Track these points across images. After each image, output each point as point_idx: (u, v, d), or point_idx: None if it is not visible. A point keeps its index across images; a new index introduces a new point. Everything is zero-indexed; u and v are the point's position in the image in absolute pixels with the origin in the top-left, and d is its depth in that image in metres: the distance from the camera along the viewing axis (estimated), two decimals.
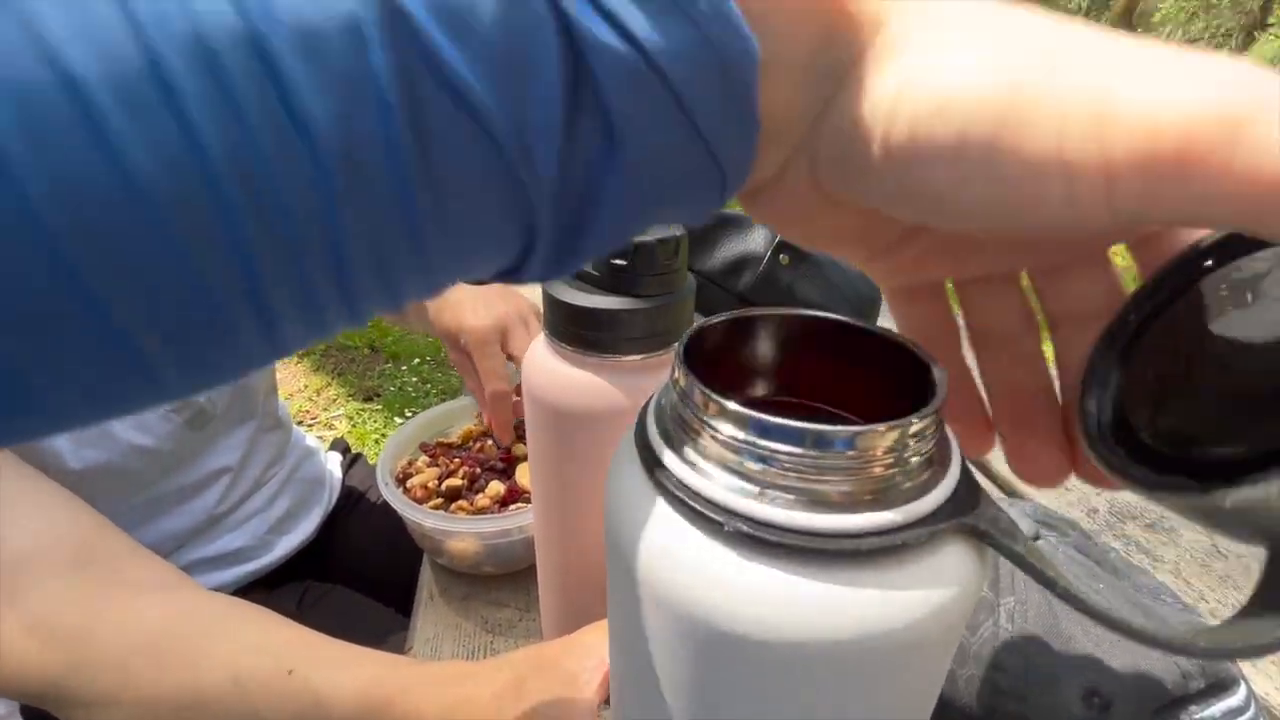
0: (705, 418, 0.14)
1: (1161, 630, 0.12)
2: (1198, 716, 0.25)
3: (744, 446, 0.13)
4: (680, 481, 0.14)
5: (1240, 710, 0.25)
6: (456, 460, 0.49)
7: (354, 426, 1.64)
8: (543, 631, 0.41)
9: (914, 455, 0.14)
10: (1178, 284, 0.13)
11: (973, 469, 0.15)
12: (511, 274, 0.14)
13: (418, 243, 0.12)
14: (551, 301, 0.27)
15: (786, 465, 0.13)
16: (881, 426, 0.13)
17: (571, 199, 0.12)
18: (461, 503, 0.45)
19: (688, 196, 0.13)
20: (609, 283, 0.26)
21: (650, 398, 0.17)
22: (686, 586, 0.14)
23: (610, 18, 0.11)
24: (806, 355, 0.18)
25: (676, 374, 0.15)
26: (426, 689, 0.30)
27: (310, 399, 1.75)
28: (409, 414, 1.63)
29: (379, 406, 1.71)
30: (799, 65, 0.13)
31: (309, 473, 0.64)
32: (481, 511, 0.44)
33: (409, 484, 0.46)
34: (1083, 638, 0.26)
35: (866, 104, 0.12)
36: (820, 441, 0.13)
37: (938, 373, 0.15)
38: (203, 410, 0.51)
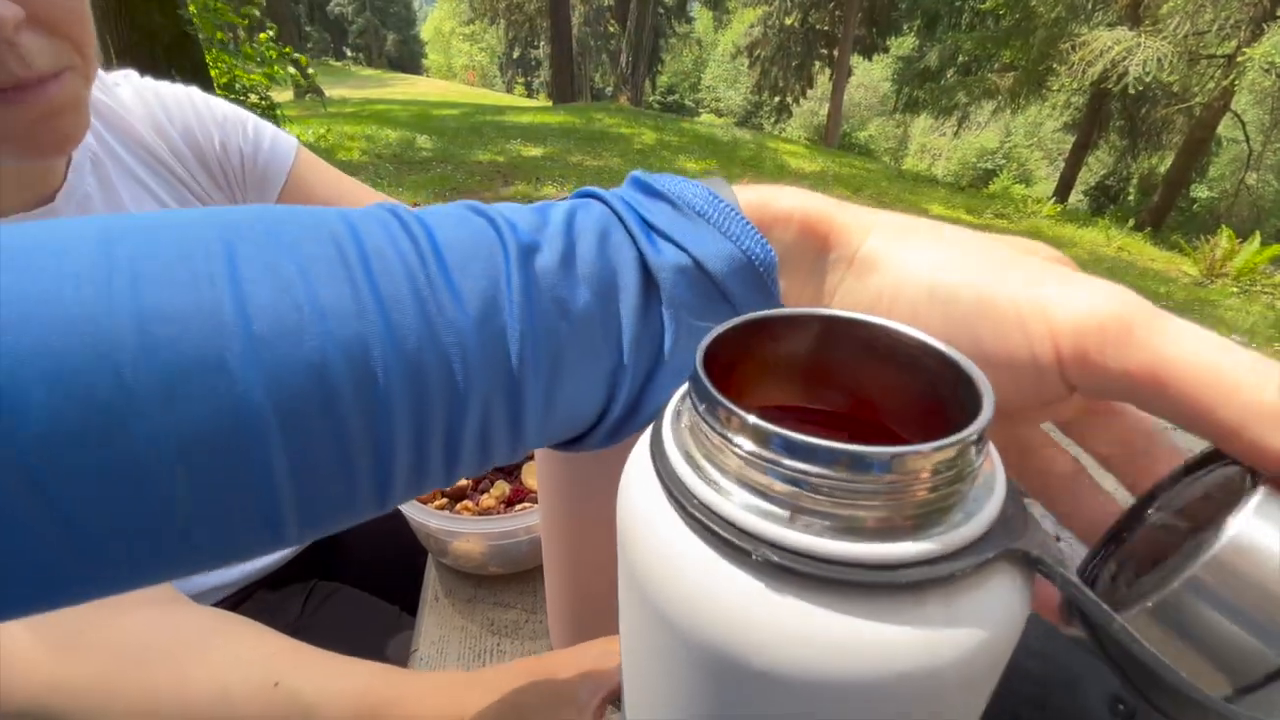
0: (728, 433, 0.13)
1: (1208, 699, 0.12)
2: None
3: (772, 466, 0.12)
4: (701, 503, 0.13)
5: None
6: None
7: None
8: (550, 633, 0.40)
9: (959, 478, 0.12)
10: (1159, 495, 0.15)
11: (1019, 488, 0.14)
12: (576, 443, 0.18)
13: (518, 428, 0.17)
14: None
15: (819, 488, 0.12)
16: (926, 447, 0.12)
17: (638, 380, 0.17)
18: (466, 503, 0.45)
19: None
20: None
21: (666, 403, 0.16)
22: (708, 618, 0.13)
23: (668, 239, 0.17)
24: (834, 358, 0.17)
25: (695, 383, 0.14)
26: (419, 700, 0.30)
27: None
28: None
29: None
30: (802, 265, 0.18)
31: None
32: (487, 512, 0.44)
33: None
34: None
35: (870, 289, 0.17)
36: (856, 464, 0.12)
37: (982, 384, 0.13)
38: None
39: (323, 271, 0.14)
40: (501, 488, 0.46)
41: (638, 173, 0.17)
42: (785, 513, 0.12)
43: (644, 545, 0.14)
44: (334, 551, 0.64)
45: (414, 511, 0.42)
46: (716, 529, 0.13)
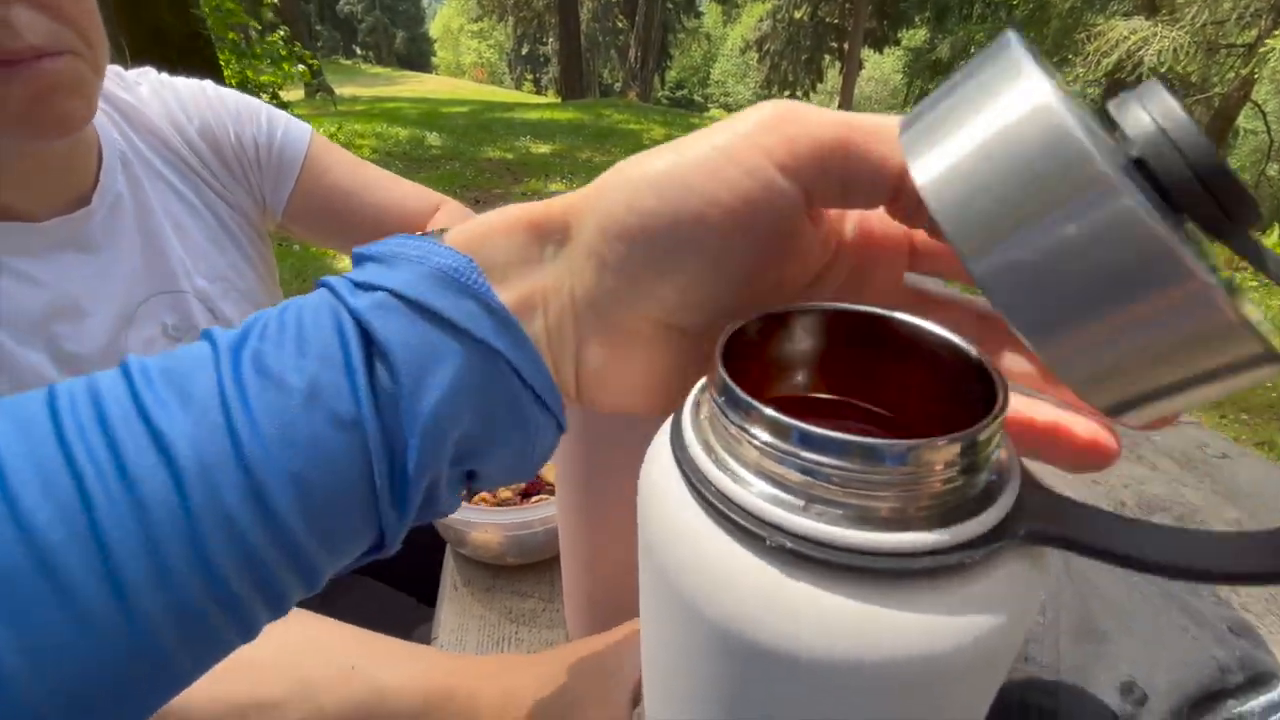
0: (745, 425, 0.13)
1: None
2: (1236, 711, 0.24)
3: (787, 457, 0.12)
4: (719, 491, 0.13)
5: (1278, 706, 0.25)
6: None
7: None
8: (566, 622, 0.41)
9: (972, 469, 0.13)
10: None
11: (1032, 472, 0.14)
12: (376, 551, 0.18)
13: (282, 537, 0.15)
14: None
15: (833, 479, 0.12)
16: (940, 440, 0.12)
17: (389, 421, 0.16)
18: (483, 494, 0.46)
19: (490, 395, 0.16)
20: None
21: (687, 395, 0.17)
22: (725, 601, 0.13)
23: (367, 286, 0.16)
24: (850, 350, 0.17)
25: (714, 376, 0.14)
26: (480, 681, 0.31)
27: None
28: None
29: None
30: (529, 257, 0.17)
31: None
32: (504, 503, 0.45)
33: None
34: (1118, 632, 0.25)
35: (580, 248, 0.17)
36: (870, 456, 0.12)
37: (997, 375, 0.14)
38: None
39: (35, 442, 0.14)
40: None
41: (356, 248, 0.18)
42: (800, 501, 0.13)
43: (665, 531, 0.14)
44: None
45: None
46: (734, 516, 0.13)
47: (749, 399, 0.13)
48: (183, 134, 0.51)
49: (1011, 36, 0.12)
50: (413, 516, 0.17)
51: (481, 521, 0.42)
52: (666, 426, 0.16)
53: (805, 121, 0.15)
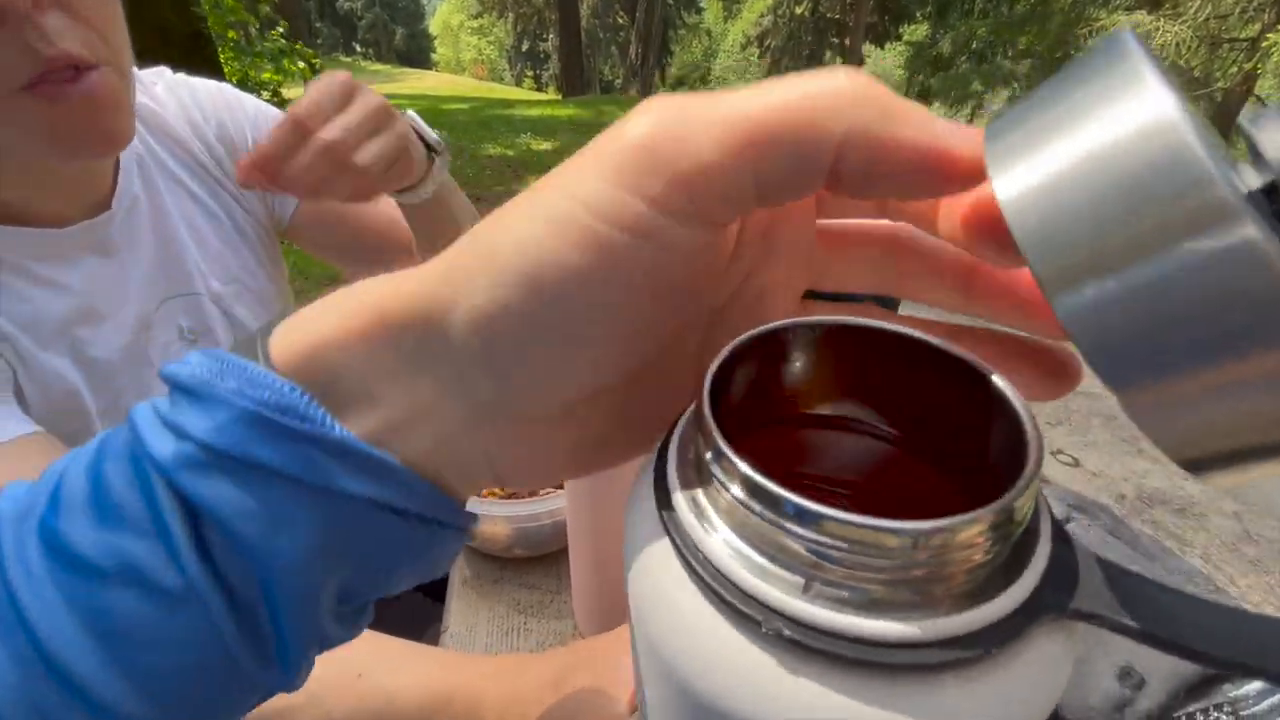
0: (739, 494, 0.11)
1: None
2: (1232, 694, 0.25)
3: (787, 533, 0.11)
4: (708, 561, 0.12)
5: (1272, 691, 0.25)
6: None
7: None
8: (574, 613, 0.42)
9: (1002, 539, 0.11)
10: None
11: (1065, 530, 0.13)
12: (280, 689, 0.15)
13: None
14: None
15: (839, 561, 0.11)
16: (964, 519, 0.10)
17: (244, 596, 0.13)
18: (492, 487, 0.46)
19: (358, 535, 0.14)
20: None
21: (671, 432, 0.15)
22: (717, 682, 0.12)
23: (176, 429, 0.13)
24: (857, 368, 0.16)
25: (703, 426, 0.12)
26: (483, 683, 0.32)
27: None
28: None
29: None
30: (395, 368, 0.13)
31: None
32: (512, 496, 0.45)
33: None
34: None
35: (467, 356, 0.13)
36: (878, 540, 0.10)
37: (1029, 427, 0.12)
38: None
39: None
40: None
41: (164, 366, 0.14)
42: (800, 580, 0.11)
43: (648, 593, 0.13)
44: None
45: None
46: (724, 594, 0.11)
47: (743, 465, 0.11)
48: (200, 135, 0.51)
49: (1128, 39, 0.10)
50: (308, 663, 0.15)
51: (490, 514, 0.42)
52: (649, 464, 0.15)
53: (686, 146, 0.12)
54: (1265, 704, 0.25)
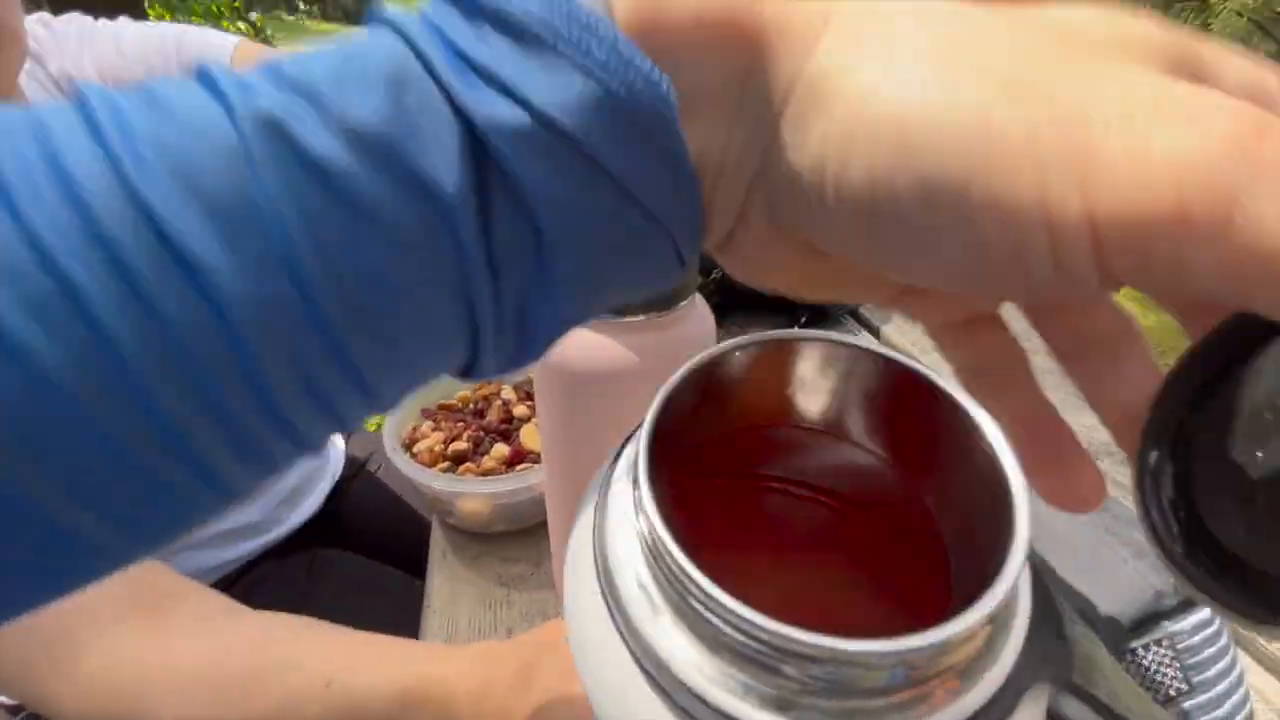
0: (693, 601, 0.10)
1: None
2: (1170, 629, 0.27)
3: (754, 652, 0.10)
4: (668, 670, 0.11)
5: (1208, 623, 0.27)
6: (460, 424, 0.50)
7: None
8: (555, 584, 0.42)
9: (977, 647, 0.11)
10: (1230, 351, 0.10)
11: (1042, 578, 0.12)
12: (463, 374, 0.13)
13: (347, 366, 0.11)
14: None
15: (813, 680, 0.10)
16: (954, 631, 0.09)
17: (508, 292, 0.11)
18: (469, 465, 0.46)
19: (638, 263, 0.12)
20: None
21: (597, 497, 0.13)
22: None
23: (497, 84, 0.10)
24: (819, 384, 0.15)
25: (643, 514, 0.11)
26: (457, 677, 0.32)
27: None
28: None
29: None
30: (726, 98, 0.11)
31: None
32: (489, 473, 0.45)
33: (415, 449, 0.47)
34: (1063, 565, 0.28)
35: (814, 138, 0.10)
36: (854, 665, 0.10)
37: (1020, 503, 0.11)
38: None
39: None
40: (501, 450, 0.47)
41: None
42: (773, 691, 0.10)
43: (596, 676, 0.12)
44: (334, 521, 0.65)
45: (420, 475, 0.43)
46: (691, 711, 0.11)
47: (697, 578, 0.10)
48: (96, 74, 0.48)
49: None
50: (544, 342, 0.13)
51: (469, 491, 0.43)
52: (586, 518, 0.13)
53: None
54: (1198, 636, 0.27)
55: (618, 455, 0.14)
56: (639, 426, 0.12)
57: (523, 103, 0.10)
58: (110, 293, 0.09)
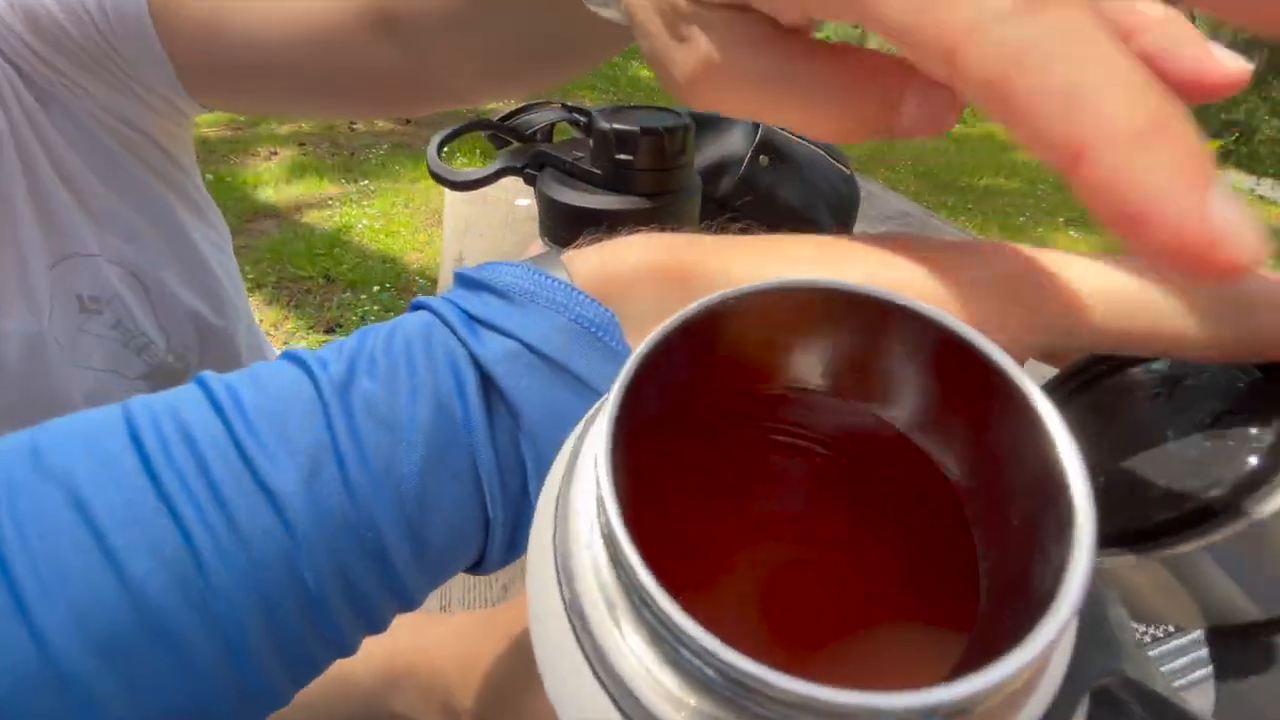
0: (669, 636, 0.09)
1: None
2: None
3: (742, 701, 0.08)
4: (649, 712, 0.09)
5: None
6: None
7: None
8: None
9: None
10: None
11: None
12: (473, 569, 0.17)
13: (393, 580, 0.15)
14: (547, 203, 0.25)
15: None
16: (1000, 675, 0.07)
17: (510, 488, 0.15)
18: None
19: None
20: (610, 180, 0.24)
21: (562, 470, 0.11)
22: None
23: (493, 327, 0.15)
24: (812, 337, 0.12)
25: (607, 532, 0.09)
26: (443, 649, 0.31)
27: (268, 333, 1.68)
28: None
29: (342, 337, 1.66)
30: (651, 311, 0.15)
31: None
32: None
33: None
34: None
35: None
36: (850, 714, 0.08)
37: (1079, 497, 0.08)
38: (167, 368, 0.44)
39: (124, 485, 0.13)
40: None
41: (459, 269, 0.16)
42: None
43: (562, 703, 0.10)
44: None
45: None
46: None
47: (669, 614, 0.08)
48: (8, 40, 0.36)
49: None
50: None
51: None
52: (556, 470, 0.12)
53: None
54: None
55: (591, 420, 0.12)
56: (607, 395, 0.09)
57: (511, 336, 0.15)
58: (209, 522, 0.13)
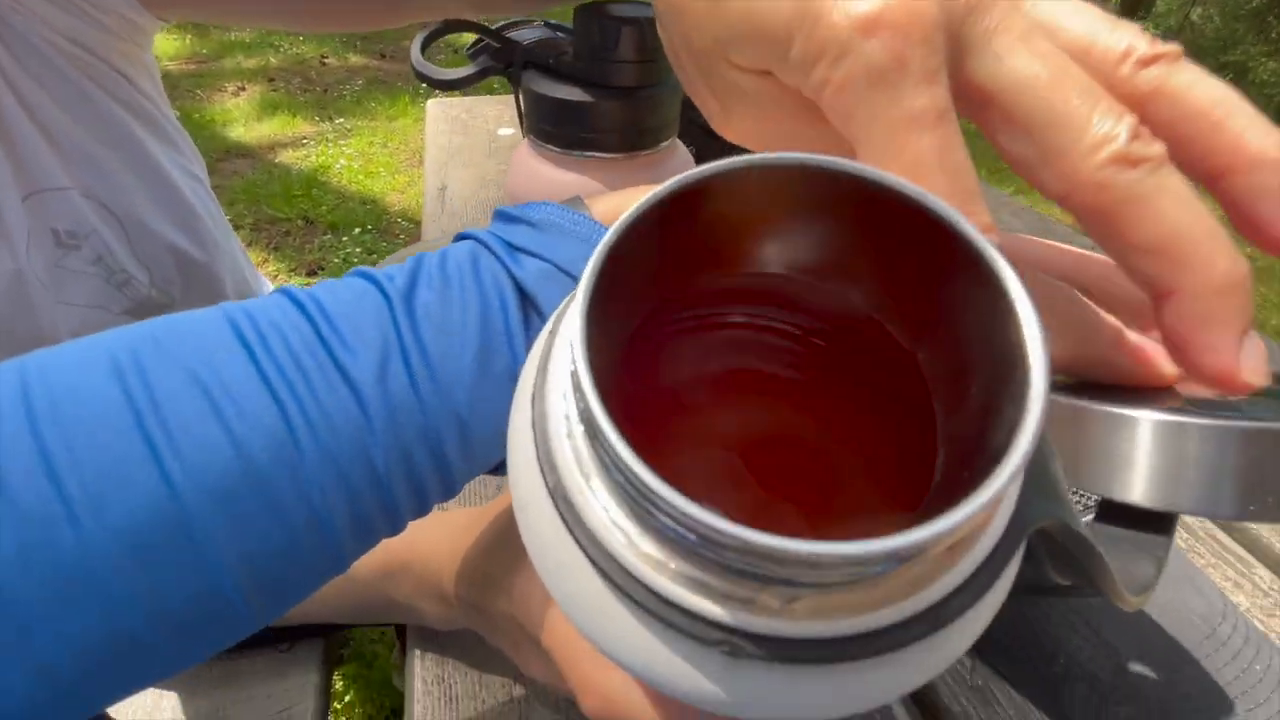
0: (647, 503, 0.09)
1: None
2: None
3: (717, 558, 0.09)
4: (633, 578, 0.10)
5: None
6: None
7: None
8: None
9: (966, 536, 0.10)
10: None
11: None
12: (499, 469, 0.19)
13: (442, 462, 0.18)
14: (532, 97, 0.25)
15: (774, 584, 0.09)
16: (945, 524, 0.08)
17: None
18: None
19: None
20: (592, 73, 0.25)
21: (543, 344, 0.12)
22: (650, 676, 0.11)
23: (529, 253, 0.18)
24: (788, 219, 0.12)
25: (578, 389, 0.09)
26: (436, 545, 0.32)
27: None
28: None
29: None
30: None
31: None
32: None
33: None
34: None
35: None
36: (853, 564, 0.08)
37: (1036, 360, 0.09)
38: (152, 302, 0.43)
39: (232, 368, 0.16)
40: None
41: (501, 207, 0.19)
42: (746, 593, 0.09)
43: (545, 559, 0.11)
44: None
45: None
46: (657, 612, 0.10)
47: (644, 481, 0.08)
48: None
49: None
50: None
51: None
52: (530, 367, 0.12)
53: None
54: None
55: (565, 308, 0.12)
56: (589, 265, 0.10)
57: (546, 260, 0.17)
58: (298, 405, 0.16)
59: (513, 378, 0.16)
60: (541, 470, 0.11)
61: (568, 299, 0.13)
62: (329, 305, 0.17)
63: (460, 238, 0.19)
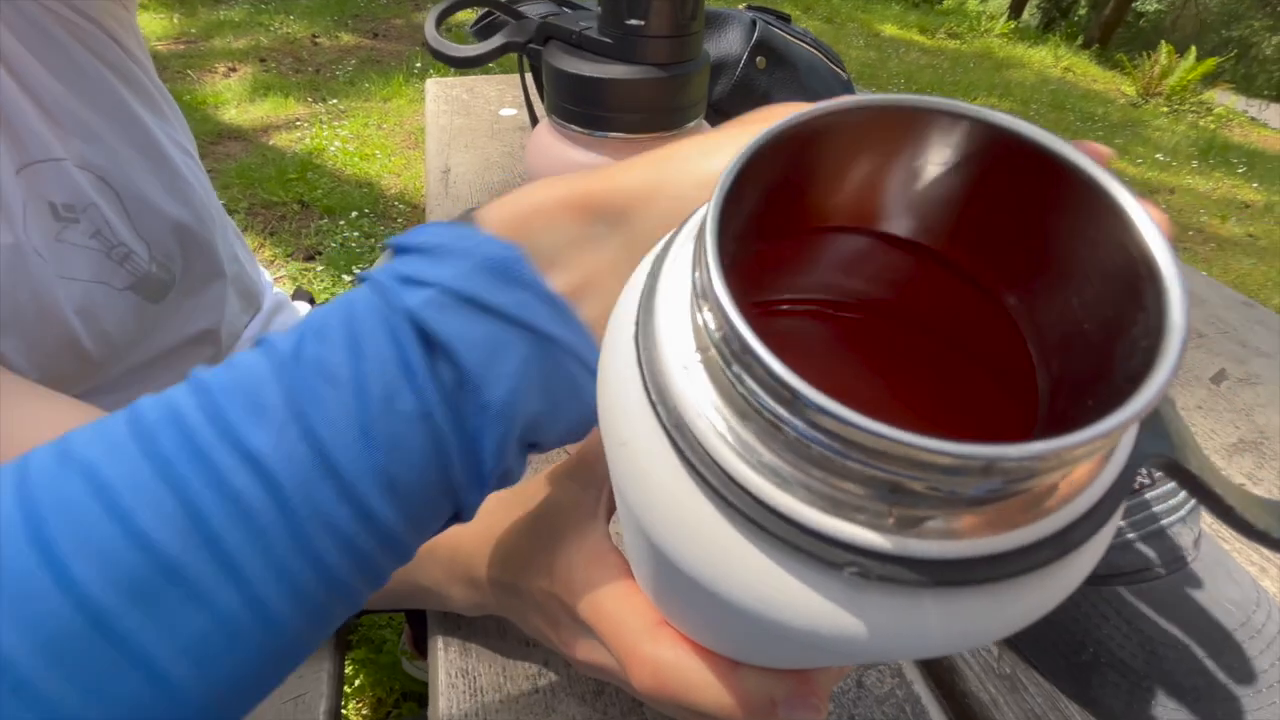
0: (786, 417, 0.09)
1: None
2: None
3: (859, 466, 0.09)
4: (759, 502, 0.10)
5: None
6: None
7: (300, 288, 1.55)
8: None
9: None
10: None
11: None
12: (453, 521, 0.19)
13: (385, 536, 0.17)
14: (554, 74, 0.24)
15: (919, 492, 0.09)
16: (1076, 440, 0.08)
17: (466, 410, 0.17)
18: None
19: (554, 381, 0.17)
20: (619, 49, 0.23)
21: (673, 239, 0.12)
22: (683, 552, 0.11)
23: (416, 281, 0.16)
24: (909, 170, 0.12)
25: (717, 310, 0.09)
26: (464, 527, 0.31)
27: None
28: (356, 270, 1.55)
29: (323, 265, 1.62)
30: (581, 240, 0.18)
31: (290, 324, 0.61)
32: None
33: None
34: None
35: (624, 231, 0.18)
36: (989, 470, 0.08)
37: (1173, 285, 0.09)
38: (153, 278, 0.43)
39: (127, 461, 0.15)
40: None
41: (391, 238, 0.18)
42: (886, 508, 0.09)
43: (649, 498, 0.11)
44: None
45: None
46: (785, 536, 0.10)
47: (787, 379, 0.08)
48: None
49: None
50: (490, 490, 0.18)
51: None
52: (629, 307, 0.12)
53: None
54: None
55: (679, 230, 0.13)
56: (716, 190, 0.10)
57: (430, 284, 0.16)
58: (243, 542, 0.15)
59: (423, 416, 0.16)
60: (653, 405, 0.11)
61: (668, 238, 0.13)
62: (215, 382, 0.16)
63: (359, 279, 0.18)
